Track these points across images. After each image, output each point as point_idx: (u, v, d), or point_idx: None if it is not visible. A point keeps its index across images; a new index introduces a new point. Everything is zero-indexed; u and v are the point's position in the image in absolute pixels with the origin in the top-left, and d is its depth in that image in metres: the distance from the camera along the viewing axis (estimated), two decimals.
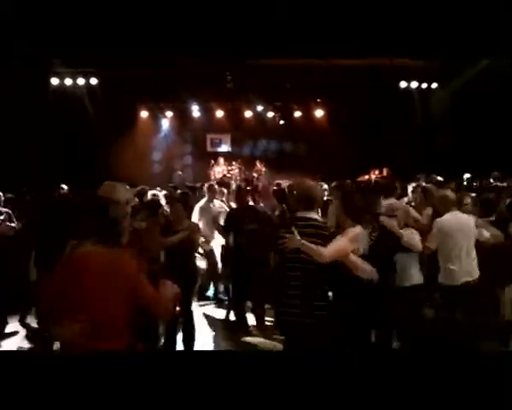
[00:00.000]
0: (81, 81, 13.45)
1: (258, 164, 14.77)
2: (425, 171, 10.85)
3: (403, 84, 14.20)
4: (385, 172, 14.30)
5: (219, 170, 14.88)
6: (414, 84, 14.26)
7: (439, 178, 9.97)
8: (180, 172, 14.67)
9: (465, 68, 12.81)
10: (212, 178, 14.59)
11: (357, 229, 3.59)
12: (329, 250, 3.32)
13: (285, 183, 12.04)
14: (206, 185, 8.13)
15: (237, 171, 14.82)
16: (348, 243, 3.44)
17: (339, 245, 3.41)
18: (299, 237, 3.21)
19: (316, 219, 3.63)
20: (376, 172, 14.40)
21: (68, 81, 13.44)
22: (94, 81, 13.47)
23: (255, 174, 14.18)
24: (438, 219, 4.74)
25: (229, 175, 14.58)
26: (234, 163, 15.08)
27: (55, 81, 13.37)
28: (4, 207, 6.86)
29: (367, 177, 14.16)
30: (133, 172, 13.61)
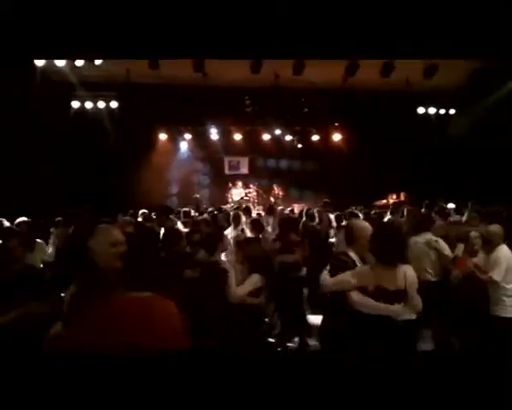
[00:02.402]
0: (101, 104, 13.60)
1: (275, 188, 14.85)
2: (441, 196, 10.78)
3: (421, 109, 14.23)
4: (402, 196, 14.27)
5: (237, 193, 14.96)
6: (432, 110, 14.29)
7: (451, 204, 9.87)
8: (197, 195, 14.75)
9: (484, 94, 12.82)
10: (230, 200, 14.68)
11: None
12: None
13: (299, 207, 12.10)
14: (232, 214, 7.33)
15: (255, 194, 14.89)
16: None
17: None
18: None
19: None
20: (394, 196, 14.38)
21: (89, 104, 13.59)
22: (114, 104, 13.59)
23: (272, 199, 14.23)
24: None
25: (246, 198, 14.64)
26: (251, 186, 15.18)
27: (75, 104, 13.53)
28: None
29: (384, 201, 14.15)
30: (151, 194, 13.76)
